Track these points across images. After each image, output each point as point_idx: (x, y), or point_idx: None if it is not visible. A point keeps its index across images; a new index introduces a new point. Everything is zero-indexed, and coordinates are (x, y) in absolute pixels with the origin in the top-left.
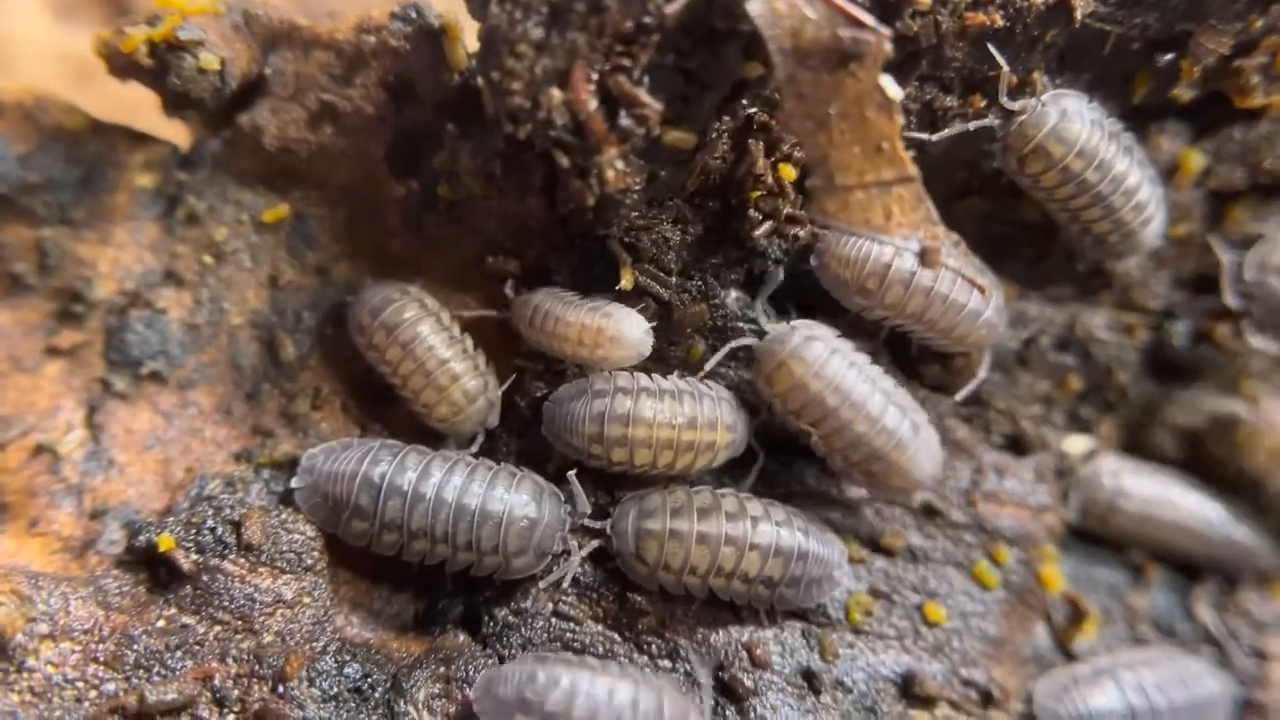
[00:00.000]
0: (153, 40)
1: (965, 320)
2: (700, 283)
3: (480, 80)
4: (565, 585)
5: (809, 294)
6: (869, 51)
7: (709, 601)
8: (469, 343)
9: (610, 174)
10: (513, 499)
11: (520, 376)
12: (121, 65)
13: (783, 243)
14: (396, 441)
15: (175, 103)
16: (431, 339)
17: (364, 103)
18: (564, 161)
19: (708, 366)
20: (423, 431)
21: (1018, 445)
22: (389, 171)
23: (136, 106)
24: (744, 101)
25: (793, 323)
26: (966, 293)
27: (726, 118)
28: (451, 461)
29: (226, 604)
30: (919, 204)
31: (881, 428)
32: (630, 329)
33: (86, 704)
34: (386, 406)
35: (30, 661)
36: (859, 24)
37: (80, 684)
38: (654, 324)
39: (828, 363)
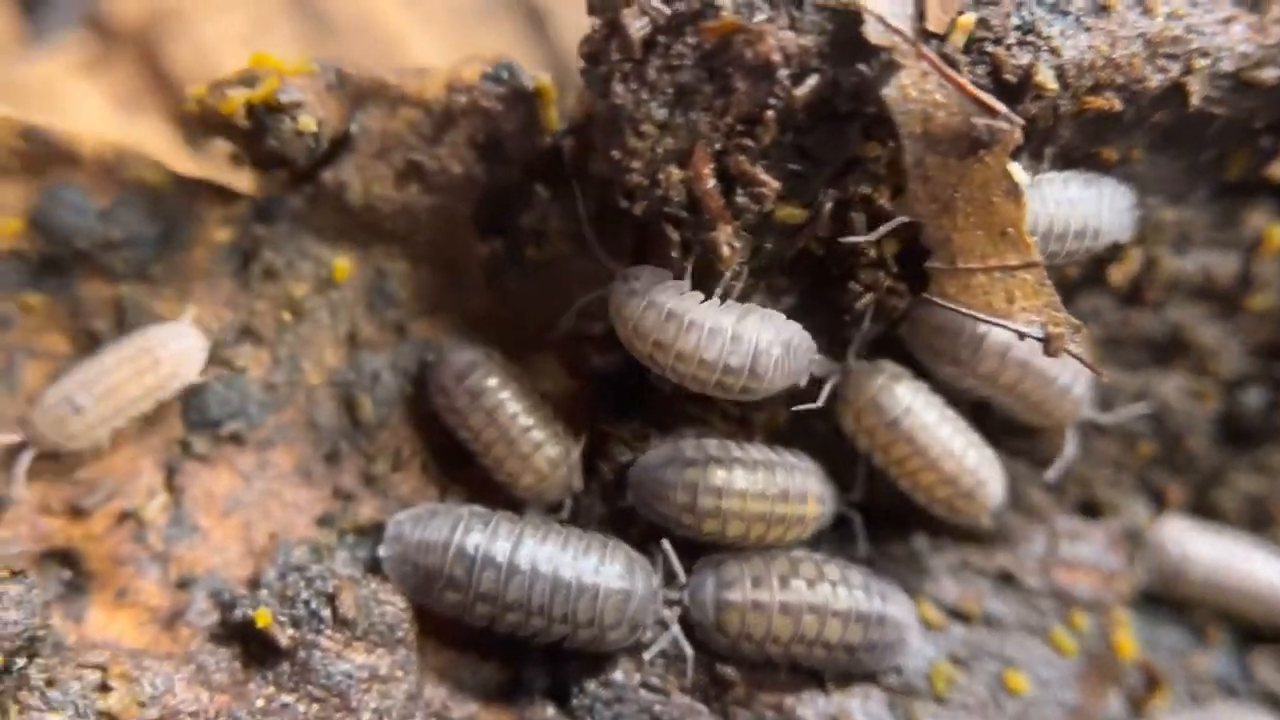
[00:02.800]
0: (250, 101)
1: (1055, 395)
2: None
3: (599, 157)
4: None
5: (896, 358)
6: (1001, 139)
7: (794, 670)
8: (549, 409)
9: (726, 251)
10: (607, 571)
11: (605, 440)
12: (215, 124)
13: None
14: (483, 508)
15: (266, 162)
16: (514, 405)
17: (451, 162)
18: (673, 235)
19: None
20: (504, 494)
21: (1090, 510)
22: (474, 230)
23: None
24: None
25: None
26: (1059, 366)
27: (834, 191)
28: (543, 530)
29: (324, 681)
30: (1042, 289)
31: (722, 365)
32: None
33: None
34: (465, 467)
35: None
36: (992, 112)
37: None
38: None
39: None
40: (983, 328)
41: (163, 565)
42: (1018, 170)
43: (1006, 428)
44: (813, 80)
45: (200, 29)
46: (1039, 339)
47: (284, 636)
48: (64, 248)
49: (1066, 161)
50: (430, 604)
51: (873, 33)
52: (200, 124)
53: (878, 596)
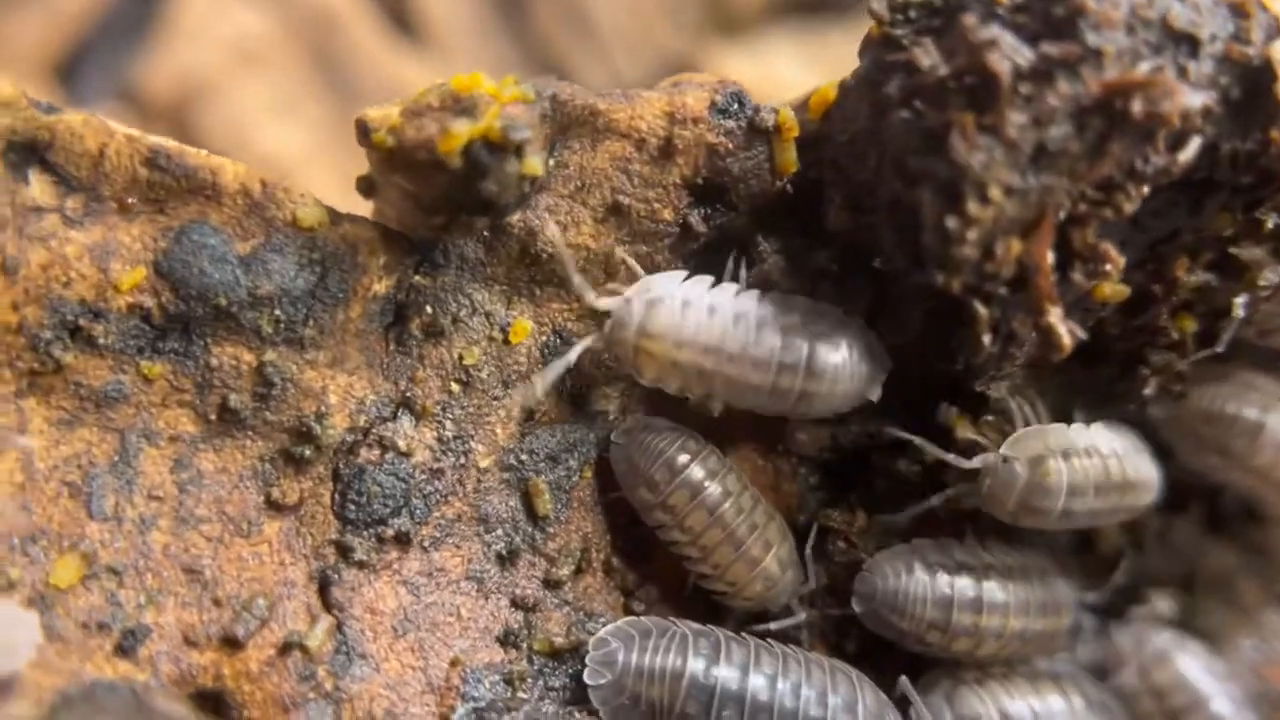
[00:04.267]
0: (470, 137)
1: None
2: None
3: (840, 210)
4: None
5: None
6: None
7: None
8: (764, 499)
9: (1068, 340)
10: (860, 711)
11: (823, 535)
12: (415, 162)
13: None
14: (697, 624)
15: (467, 208)
16: (743, 500)
17: (660, 205)
18: (983, 312)
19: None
20: (696, 591)
21: None
22: None
23: None
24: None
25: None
26: None
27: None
28: (780, 657)
29: None
30: None
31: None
32: None
33: None
34: (648, 561)
35: None
36: None
37: None
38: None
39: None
40: (1259, 416)
41: (335, 709)
42: None
43: (1239, 514)
44: (1195, 143)
45: (229, 101)
46: None
47: None
48: (197, 303)
49: None
50: None
51: None
52: (387, 162)
53: (1116, 714)
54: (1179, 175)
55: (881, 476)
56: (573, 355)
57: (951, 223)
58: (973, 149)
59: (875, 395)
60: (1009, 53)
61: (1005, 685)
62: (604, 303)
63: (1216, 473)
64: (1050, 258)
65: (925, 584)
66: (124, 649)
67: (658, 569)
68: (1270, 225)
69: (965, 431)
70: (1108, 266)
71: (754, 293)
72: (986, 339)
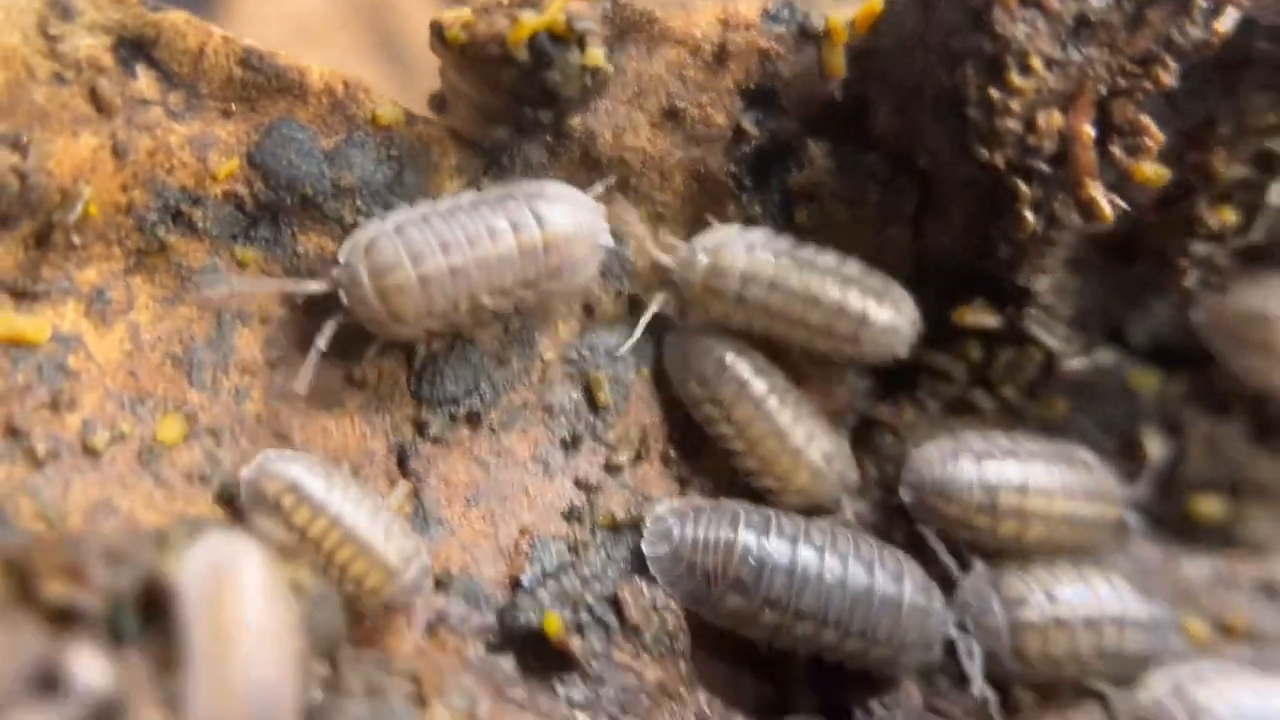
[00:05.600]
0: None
1: None
2: (1083, 336)
3: (971, 98)
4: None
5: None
6: None
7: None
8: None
9: (1108, 208)
10: (908, 584)
11: (867, 429)
12: (485, 57)
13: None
14: (750, 504)
15: (532, 100)
16: (787, 396)
17: (714, 110)
18: (1024, 190)
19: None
20: (748, 494)
21: None
22: (731, 190)
23: None
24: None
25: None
26: None
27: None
28: (828, 534)
29: (618, 697)
30: None
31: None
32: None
33: None
34: (704, 457)
35: None
36: None
37: None
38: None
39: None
40: None
41: None
42: None
43: None
44: (1232, 15)
45: None
46: None
47: (578, 646)
48: (285, 193)
49: None
50: (705, 611)
51: None
52: (459, 61)
53: (1157, 604)
54: (1217, 49)
55: (926, 374)
56: (322, 342)
57: (995, 94)
58: (1015, 21)
59: (607, 242)
60: None
61: (1050, 570)
62: (314, 286)
63: (1259, 376)
64: (1090, 131)
65: (972, 468)
66: (223, 498)
67: (710, 466)
68: None
69: (980, 317)
70: (1147, 140)
71: (448, 195)
72: (1029, 216)
